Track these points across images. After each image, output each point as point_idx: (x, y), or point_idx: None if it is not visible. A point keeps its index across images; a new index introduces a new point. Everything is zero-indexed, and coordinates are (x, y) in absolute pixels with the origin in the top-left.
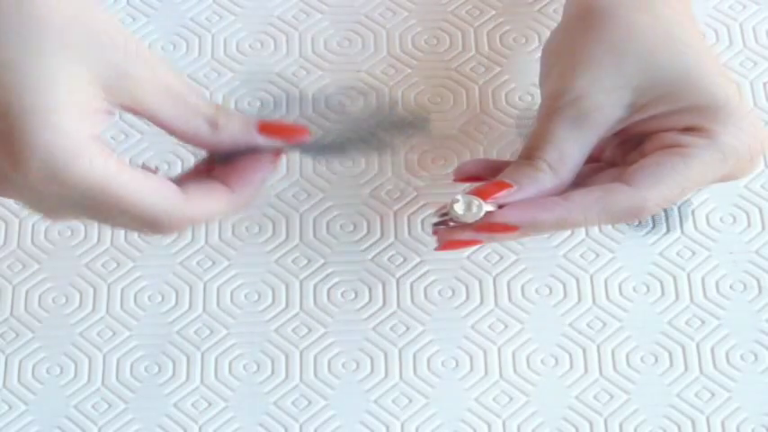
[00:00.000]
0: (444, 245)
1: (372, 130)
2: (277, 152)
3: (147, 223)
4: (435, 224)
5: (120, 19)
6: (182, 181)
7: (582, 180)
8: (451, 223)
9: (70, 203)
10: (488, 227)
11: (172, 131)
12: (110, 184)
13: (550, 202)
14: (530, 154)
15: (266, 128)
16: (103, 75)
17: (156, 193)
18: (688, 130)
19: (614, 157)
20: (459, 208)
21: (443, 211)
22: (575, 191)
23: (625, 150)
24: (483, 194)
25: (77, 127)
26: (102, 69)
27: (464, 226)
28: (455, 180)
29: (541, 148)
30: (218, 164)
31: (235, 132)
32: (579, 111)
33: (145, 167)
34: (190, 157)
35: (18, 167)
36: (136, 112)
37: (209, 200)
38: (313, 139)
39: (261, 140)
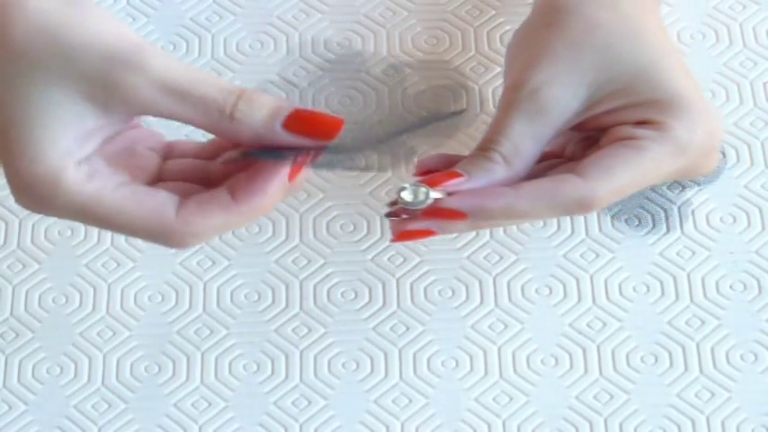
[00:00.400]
0: (397, 236)
1: (392, 137)
2: (297, 165)
3: (147, 239)
4: (387, 214)
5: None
6: (189, 191)
7: (540, 175)
8: (404, 215)
9: (73, 219)
10: (434, 212)
11: (190, 125)
12: (96, 209)
13: (499, 190)
14: (485, 146)
15: (293, 122)
16: (88, 91)
17: (145, 216)
18: (642, 123)
19: (575, 153)
20: (406, 195)
21: (393, 200)
22: (526, 181)
23: (586, 146)
24: (432, 183)
25: (57, 155)
26: (86, 86)
27: (414, 216)
28: (414, 174)
29: (496, 141)
30: (240, 163)
31: (255, 124)
32: (536, 104)
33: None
34: None
35: (15, 196)
36: (145, 115)
37: (207, 215)
38: (326, 153)
39: (283, 136)
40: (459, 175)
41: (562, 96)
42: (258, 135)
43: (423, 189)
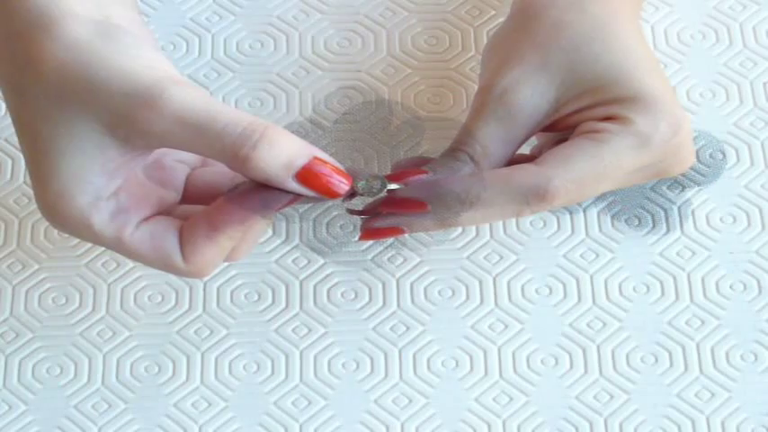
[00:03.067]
0: (365, 233)
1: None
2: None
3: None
4: (347, 209)
5: None
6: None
7: None
8: (366, 215)
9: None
10: (392, 202)
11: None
12: (117, 248)
13: (456, 177)
14: (454, 147)
15: (305, 176)
16: (111, 125)
17: (158, 260)
18: (607, 119)
19: None
20: (361, 185)
21: (350, 190)
22: (485, 171)
23: None
24: (395, 178)
25: (86, 197)
26: (109, 120)
27: (377, 212)
28: (387, 177)
29: (465, 142)
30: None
31: (268, 172)
32: (505, 105)
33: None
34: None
35: (45, 217)
36: (165, 147)
37: (206, 253)
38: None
39: (293, 187)
40: (423, 172)
41: (531, 98)
42: (269, 182)
43: (379, 180)
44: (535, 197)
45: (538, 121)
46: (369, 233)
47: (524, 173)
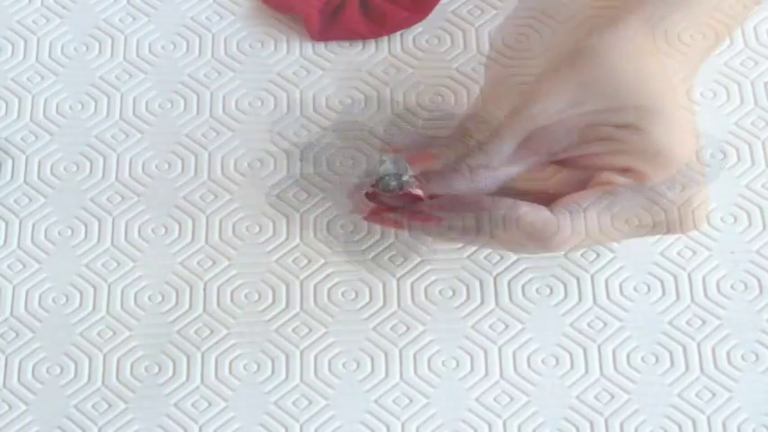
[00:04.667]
0: (371, 216)
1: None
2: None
3: None
4: (366, 194)
5: (120, 19)
6: None
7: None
8: (380, 202)
9: None
10: (413, 215)
11: None
12: None
13: (474, 198)
14: (466, 133)
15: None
16: None
17: None
18: (626, 171)
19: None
20: (389, 165)
21: (375, 180)
22: (505, 197)
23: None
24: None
25: None
26: None
27: (390, 203)
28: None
29: (473, 155)
30: None
31: None
32: (527, 130)
33: None
34: (190, 157)
35: None
36: None
37: None
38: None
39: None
40: (434, 158)
41: (556, 128)
42: None
43: (394, 180)
44: (540, 243)
45: (553, 152)
46: (375, 218)
47: (538, 216)
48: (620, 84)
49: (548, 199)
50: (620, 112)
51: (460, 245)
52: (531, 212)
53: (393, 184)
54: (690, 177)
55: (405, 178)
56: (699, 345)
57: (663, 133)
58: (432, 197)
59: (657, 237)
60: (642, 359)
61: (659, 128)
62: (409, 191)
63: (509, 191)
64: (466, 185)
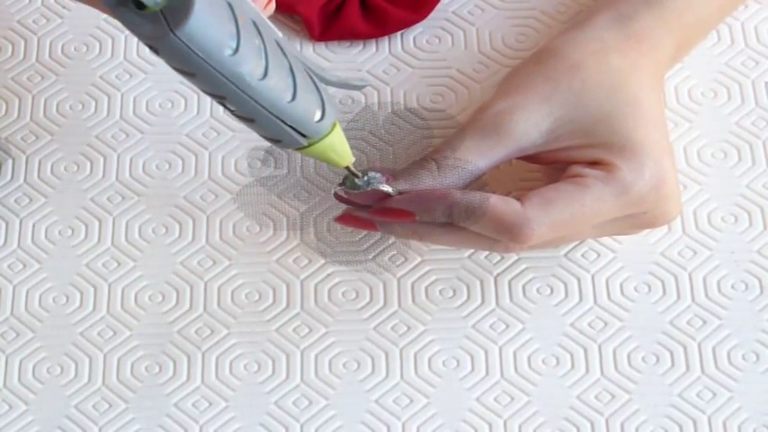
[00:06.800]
0: (342, 217)
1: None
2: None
3: None
4: (335, 194)
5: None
6: None
7: None
8: (350, 204)
9: None
10: (382, 211)
11: None
12: None
13: (441, 192)
14: (428, 155)
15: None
16: None
17: None
18: (594, 164)
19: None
20: (348, 184)
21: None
22: (477, 191)
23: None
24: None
25: None
26: None
27: (359, 201)
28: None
29: (440, 151)
30: None
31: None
32: (495, 123)
33: None
34: (191, 156)
35: None
36: None
37: None
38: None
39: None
40: (386, 197)
41: (523, 122)
42: None
43: (362, 179)
44: (509, 234)
45: (522, 147)
46: (346, 219)
47: (508, 208)
48: (584, 80)
49: (517, 192)
50: (589, 107)
51: (433, 246)
52: (501, 204)
53: (359, 182)
54: (658, 169)
55: (370, 174)
56: (699, 345)
57: (631, 124)
58: (401, 195)
59: (657, 237)
60: (643, 359)
61: (633, 121)
62: (377, 187)
63: (478, 185)
64: (434, 180)
